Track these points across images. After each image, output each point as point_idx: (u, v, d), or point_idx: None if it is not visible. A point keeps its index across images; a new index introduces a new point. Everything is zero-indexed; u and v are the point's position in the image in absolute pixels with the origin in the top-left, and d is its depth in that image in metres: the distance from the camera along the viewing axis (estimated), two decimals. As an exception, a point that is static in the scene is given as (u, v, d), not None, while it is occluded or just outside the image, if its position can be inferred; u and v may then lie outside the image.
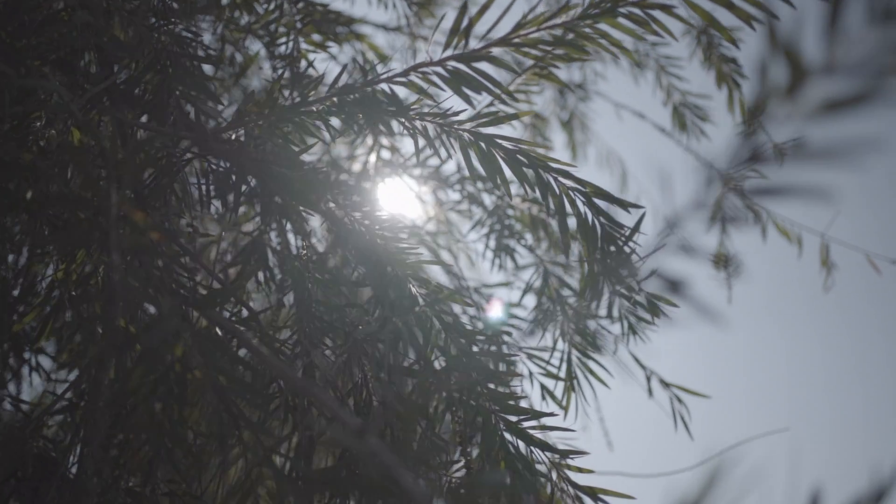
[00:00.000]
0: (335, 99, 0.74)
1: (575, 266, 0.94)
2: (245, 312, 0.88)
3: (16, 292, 0.95)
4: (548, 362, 0.96)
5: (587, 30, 0.71)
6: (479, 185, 1.16)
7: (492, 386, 0.83)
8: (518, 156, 0.73)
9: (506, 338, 1.01)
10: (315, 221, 1.05)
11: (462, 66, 0.69)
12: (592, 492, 0.76)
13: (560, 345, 0.97)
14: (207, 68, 1.02)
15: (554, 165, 0.72)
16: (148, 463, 0.74)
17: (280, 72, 1.01)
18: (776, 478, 0.37)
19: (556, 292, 0.99)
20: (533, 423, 0.85)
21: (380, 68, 0.74)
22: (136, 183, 0.79)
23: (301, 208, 0.93)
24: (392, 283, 0.87)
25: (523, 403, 0.88)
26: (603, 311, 1.02)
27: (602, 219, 0.70)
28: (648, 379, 1.09)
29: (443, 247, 1.21)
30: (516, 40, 0.67)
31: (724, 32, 0.66)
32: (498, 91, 0.70)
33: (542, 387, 0.96)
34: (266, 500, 0.69)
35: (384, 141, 1.18)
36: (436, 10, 1.32)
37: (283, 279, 1.00)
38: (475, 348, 0.85)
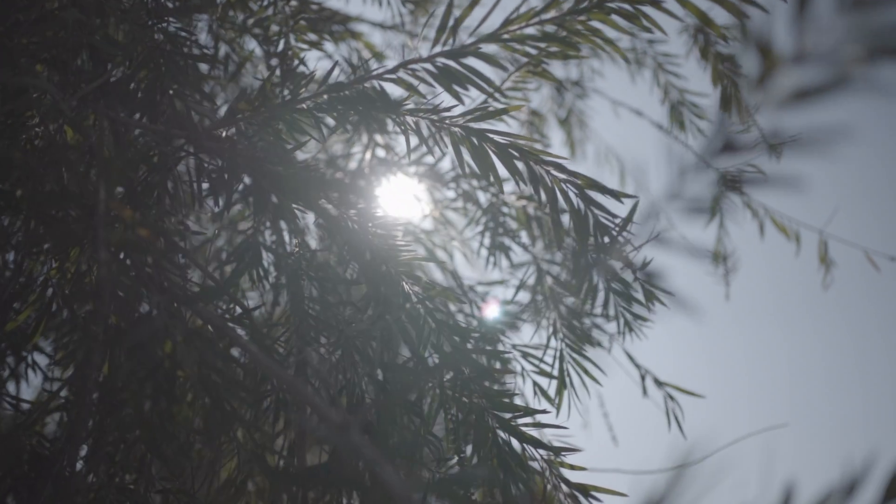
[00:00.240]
0: (325, 96, 0.74)
1: (569, 263, 0.94)
2: (238, 310, 0.88)
3: (12, 291, 0.95)
4: (541, 360, 0.96)
5: (577, 26, 0.71)
6: (475, 182, 1.16)
7: (485, 383, 0.83)
8: (510, 150, 0.72)
9: (500, 336, 1.01)
10: (310, 219, 1.05)
11: (451, 63, 0.69)
12: (584, 489, 0.76)
13: (553, 342, 0.97)
14: (202, 67, 1.02)
15: (546, 158, 0.71)
16: (139, 460, 0.75)
17: (272, 69, 1.01)
18: (764, 473, 0.37)
19: (551, 290, 0.99)
20: (528, 420, 0.85)
21: (371, 66, 0.74)
22: (128, 180, 0.79)
23: (294, 206, 0.93)
24: (385, 281, 0.87)
25: (517, 401, 0.87)
26: (598, 309, 1.02)
27: (595, 209, 0.70)
28: (643, 378, 1.09)
29: (438, 245, 1.21)
30: (505, 36, 0.66)
31: (715, 28, 0.66)
32: (487, 87, 0.70)
33: (535, 385, 0.96)
34: (256, 497, 0.69)
35: (379, 139, 1.18)
36: (431, 8, 1.32)
37: (278, 277, 1.00)
38: (469, 346, 0.85)
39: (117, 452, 0.84)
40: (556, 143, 1.62)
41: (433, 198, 1.20)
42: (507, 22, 0.67)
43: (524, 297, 1.05)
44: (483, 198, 1.17)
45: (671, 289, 0.73)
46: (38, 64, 0.85)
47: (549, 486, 0.78)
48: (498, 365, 0.94)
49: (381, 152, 1.21)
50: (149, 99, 0.90)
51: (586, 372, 0.95)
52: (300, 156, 1.22)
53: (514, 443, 0.82)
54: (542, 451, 0.80)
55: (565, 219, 0.76)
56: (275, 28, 1.12)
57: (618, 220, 0.68)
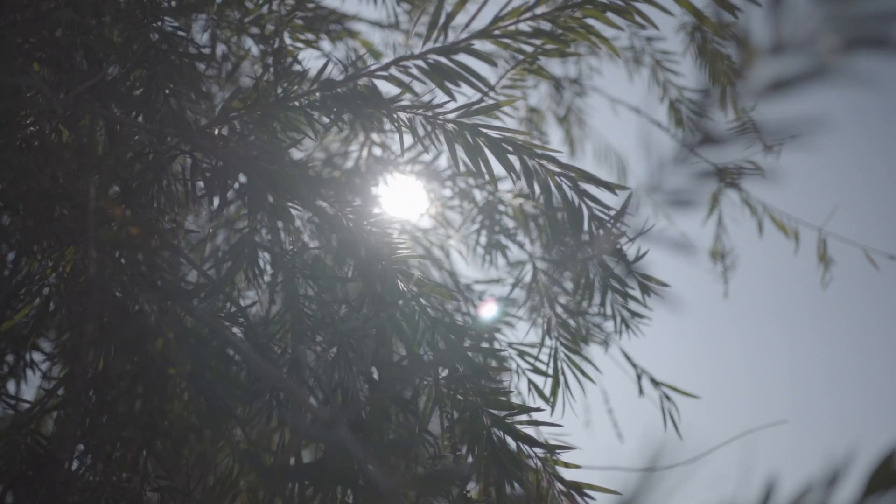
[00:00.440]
0: (318, 94, 0.74)
1: (563, 258, 0.93)
2: (232, 308, 0.88)
3: (9, 289, 0.96)
4: (536, 358, 0.96)
5: (570, 23, 0.71)
6: (471, 181, 1.16)
7: (480, 381, 0.83)
8: (503, 144, 0.72)
9: (496, 334, 1.01)
10: (306, 217, 1.05)
11: (443, 59, 0.69)
12: (578, 487, 0.76)
13: (548, 341, 0.97)
14: (198, 65, 1.02)
15: (539, 152, 0.71)
16: (134, 458, 0.75)
17: (265, 67, 1.01)
18: (746, 468, 0.37)
19: (546, 288, 0.99)
20: (524, 418, 0.85)
21: (365, 63, 0.74)
22: (122, 179, 0.79)
23: (289, 204, 0.93)
24: (380, 278, 0.87)
25: (513, 399, 0.87)
26: (594, 307, 1.01)
27: (589, 201, 0.70)
28: (639, 377, 1.09)
29: (435, 244, 1.21)
30: (496, 32, 0.66)
31: (707, 22, 0.65)
32: (479, 83, 0.70)
33: (531, 383, 0.96)
34: (248, 494, 0.69)
35: (375, 137, 1.18)
36: (426, 6, 1.32)
37: (274, 275, 1.00)
38: (464, 343, 0.85)
39: (113, 450, 0.84)
40: (556, 141, 1.62)
41: (430, 196, 1.20)
42: (498, 18, 0.66)
43: (520, 295, 1.05)
44: (479, 196, 1.17)
45: (664, 281, 0.73)
46: (33, 63, 0.86)
47: (544, 483, 0.78)
48: (493, 363, 0.94)
49: (377, 151, 1.20)
50: (144, 98, 0.90)
51: (581, 370, 0.95)
52: (297, 154, 1.22)
53: (510, 441, 0.82)
54: (536, 449, 0.80)
55: (562, 216, 0.76)
56: (271, 27, 1.12)
57: (612, 212, 0.68)
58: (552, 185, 0.71)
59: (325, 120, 0.81)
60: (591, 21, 0.71)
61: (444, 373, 0.85)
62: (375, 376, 0.74)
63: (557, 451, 0.81)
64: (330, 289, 1.01)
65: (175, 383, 0.65)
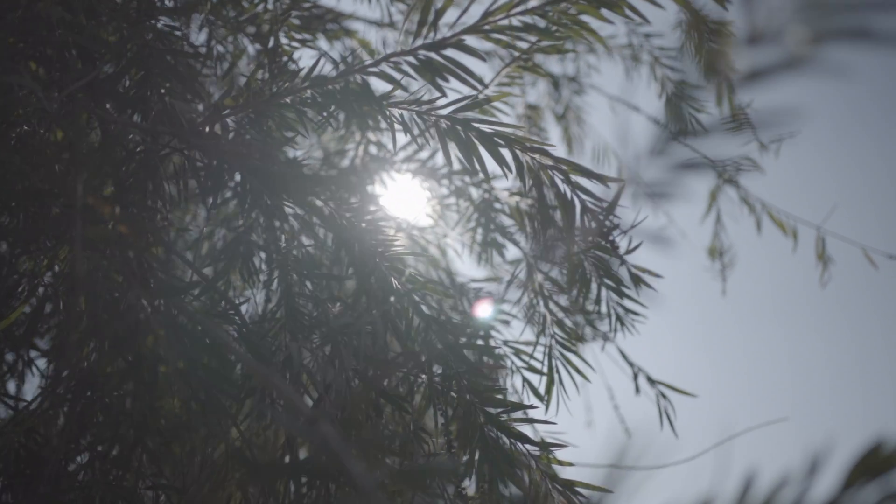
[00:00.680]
0: (309, 91, 0.74)
1: (551, 251, 0.93)
2: (227, 305, 0.88)
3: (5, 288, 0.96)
4: (531, 356, 0.95)
5: (563, 18, 0.70)
6: (467, 178, 1.16)
7: (474, 378, 0.83)
8: (495, 138, 0.72)
9: (491, 332, 1.00)
10: (300, 215, 1.05)
11: (433, 55, 0.69)
12: (570, 484, 0.75)
13: (543, 339, 0.96)
14: (193, 64, 1.02)
15: (530, 145, 0.71)
16: (126, 455, 0.74)
17: (257, 65, 1.01)
18: (722, 460, 0.37)
19: (541, 285, 0.99)
20: (520, 416, 0.85)
21: (354, 60, 0.74)
22: (114, 177, 0.79)
23: (283, 202, 0.93)
24: (374, 275, 0.86)
25: (508, 397, 0.87)
26: (590, 305, 1.01)
27: (581, 194, 0.70)
28: (636, 375, 1.08)
29: (431, 242, 1.21)
30: (486, 27, 0.66)
31: (696, 15, 0.65)
32: (470, 78, 0.70)
33: (525, 381, 0.96)
34: (238, 490, 0.69)
35: (371, 136, 1.18)
36: (419, 4, 1.32)
37: (269, 273, 1.00)
38: (457, 341, 0.85)
39: (110, 449, 0.84)
40: (554, 139, 1.62)
41: (426, 194, 1.19)
42: (488, 13, 0.66)
43: (515, 293, 1.04)
44: (476, 193, 1.16)
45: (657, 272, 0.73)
46: (26, 62, 0.86)
47: (537, 478, 0.78)
48: (488, 360, 0.93)
49: (373, 149, 1.20)
50: (138, 96, 0.90)
51: (576, 368, 0.94)
52: (293, 153, 1.22)
53: (504, 439, 0.81)
54: (530, 447, 0.80)
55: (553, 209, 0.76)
56: (266, 27, 1.12)
57: (604, 205, 0.67)
58: (544, 178, 0.70)
59: (318, 117, 0.81)
60: (582, 16, 0.71)
61: (438, 370, 0.85)
62: (364, 371, 0.74)
63: (552, 448, 0.80)
64: (325, 286, 1.01)
65: (166, 381, 0.65)
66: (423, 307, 0.85)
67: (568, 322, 0.99)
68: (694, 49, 1.21)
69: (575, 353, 0.95)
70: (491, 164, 0.80)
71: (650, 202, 0.34)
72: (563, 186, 0.71)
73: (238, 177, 0.95)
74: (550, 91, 1.57)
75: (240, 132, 0.91)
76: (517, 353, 1.00)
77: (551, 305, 0.97)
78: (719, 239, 1.35)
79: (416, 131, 0.78)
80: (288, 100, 0.75)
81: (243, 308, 1.12)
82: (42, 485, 0.85)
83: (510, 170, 0.73)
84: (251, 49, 1.23)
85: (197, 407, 0.65)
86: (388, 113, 0.76)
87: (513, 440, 0.79)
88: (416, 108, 0.75)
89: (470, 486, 0.83)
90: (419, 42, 0.69)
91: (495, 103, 0.96)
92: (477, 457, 0.77)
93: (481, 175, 0.76)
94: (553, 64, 1.58)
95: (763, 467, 0.33)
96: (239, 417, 0.76)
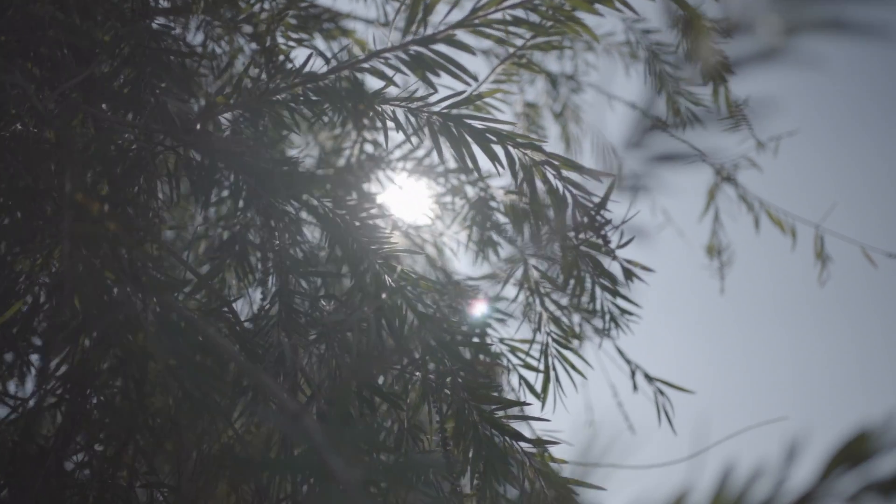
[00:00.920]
0: (300, 88, 0.74)
1: (541, 244, 0.93)
2: (219, 303, 0.87)
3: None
4: (527, 353, 0.95)
5: (553, 12, 0.70)
6: (463, 177, 1.15)
7: (468, 375, 0.82)
8: (487, 134, 0.72)
9: (487, 330, 1.00)
10: (295, 213, 1.05)
11: (423, 50, 0.68)
12: (563, 481, 0.75)
13: (539, 337, 0.96)
14: (187, 63, 1.02)
15: (522, 141, 0.71)
16: (118, 452, 0.74)
17: (249, 62, 1.01)
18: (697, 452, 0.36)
19: (537, 283, 0.98)
20: (517, 413, 0.84)
21: (345, 56, 0.74)
22: (107, 174, 0.79)
23: (279, 200, 0.93)
24: (368, 272, 0.86)
25: (502, 395, 0.86)
26: (586, 303, 1.00)
27: (572, 189, 0.69)
28: (633, 373, 1.08)
29: (427, 240, 1.21)
30: (476, 21, 0.66)
31: (688, 9, 0.65)
32: (461, 73, 0.69)
33: (521, 378, 0.95)
34: (227, 485, 0.68)
35: (367, 135, 1.18)
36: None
37: (265, 271, 1.00)
38: (451, 338, 0.85)
39: (107, 448, 0.84)
40: (552, 137, 1.61)
41: (422, 193, 1.19)
42: (478, 8, 0.66)
43: (512, 291, 1.04)
44: (472, 192, 1.16)
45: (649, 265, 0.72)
46: (19, 60, 0.86)
47: (531, 477, 0.77)
48: (483, 358, 0.93)
49: (369, 148, 1.20)
50: (132, 95, 0.90)
51: (572, 366, 0.94)
52: (288, 151, 1.22)
53: (498, 436, 0.81)
54: (524, 444, 0.79)
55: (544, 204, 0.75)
56: (263, 26, 1.12)
57: (595, 199, 0.67)
58: (536, 173, 0.70)
59: (310, 114, 0.81)
60: (576, 12, 0.71)
61: (432, 367, 0.84)
62: (355, 365, 0.74)
63: (546, 445, 0.80)
64: (321, 284, 1.01)
65: (156, 377, 0.65)
66: (419, 305, 0.85)
67: (564, 320, 0.98)
68: (687, 43, 1.20)
69: (572, 350, 0.95)
70: (484, 161, 0.80)
71: (632, 193, 0.34)
72: (555, 182, 0.71)
73: (232, 175, 0.95)
74: (549, 89, 1.57)
75: (235, 130, 0.91)
76: (513, 350, 1.00)
77: (547, 303, 0.96)
78: (717, 237, 1.35)
79: (409, 129, 0.78)
80: (280, 97, 0.75)
81: (240, 305, 1.12)
82: (37, 483, 0.85)
83: (502, 166, 0.73)
84: (248, 49, 1.23)
85: (187, 404, 0.65)
86: (380, 110, 0.75)
87: (507, 438, 0.79)
88: (408, 105, 0.74)
89: (465, 485, 0.83)
90: (409, 38, 0.68)
91: (492, 101, 0.96)
92: (471, 454, 0.77)
93: (475, 172, 0.76)
94: (551, 62, 1.58)
95: (749, 462, 0.32)
96: (233, 415, 0.75)
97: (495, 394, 0.82)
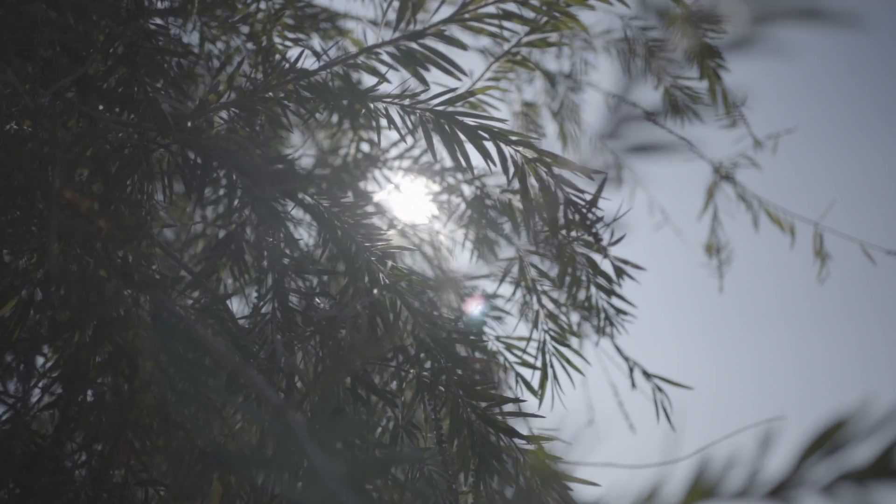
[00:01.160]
0: (293, 85, 0.74)
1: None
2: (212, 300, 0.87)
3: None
4: (524, 351, 0.95)
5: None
6: (459, 175, 1.15)
7: (462, 372, 0.82)
8: (479, 131, 0.72)
9: (483, 328, 0.99)
10: (292, 211, 1.05)
11: (413, 45, 0.68)
12: (556, 478, 0.74)
13: (536, 334, 0.96)
14: (182, 62, 1.02)
15: (514, 138, 0.70)
16: (111, 450, 0.74)
17: (241, 61, 1.01)
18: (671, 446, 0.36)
19: (533, 281, 0.98)
20: (513, 410, 0.84)
21: (337, 52, 0.74)
22: (101, 172, 0.79)
23: (272, 198, 0.93)
24: (364, 270, 0.86)
25: (498, 391, 0.86)
26: (581, 302, 1.00)
27: (564, 186, 0.69)
28: (631, 370, 1.07)
29: (424, 239, 1.21)
30: (466, 16, 0.66)
31: (681, 4, 0.64)
32: (453, 69, 0.69)
33: (518, 375, 0.95)
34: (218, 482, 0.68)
35: (363, 134, 1.18)
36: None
37: (260, 270, 1.00)
38: (446, 335, 0.84)
39: (106, 447, 0.84)
40: (551, 136, 1.61)
41: (419, 191, 1.19)
42: (467, 3, 0.66)
43: (508, 288, 1.04)
44: (468, 190, 1.16)
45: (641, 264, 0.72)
46: (13, 59, 0.86)
47: (526, 473, 0.77)
48: (478, 355, 0.93)
49: (366, 147, 1.20)
50: (125, 94, 0.90)
51: (570, 363, 0.94)
52: (285, 150, 1.22)
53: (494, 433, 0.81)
54: (519, 441, 0.79)
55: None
56: (259, 26, 1.12)
57: (587, 196, 0.67)
58: (528, 170, 0.70)
59: (303, 112, 0.81)
60: (568, 5, 0.70)
61: (427, 364, 0.84)
62: (342, 359, 0.73)
63: (541, 442, 0.79)
64: (317, 281, 1.01)
65: (147, 374, 0.65)
66: (416, 302, 0.85)
67: (562, 317, 0.98)
68: (681, 36, 1.19)
69: (569, 347, 0.95)
70: (478, 159, 0.80)
71: (609, 184, 0.34)
72: (547, 179, 0.71)
73: (223, 172, 0.95)
74: (547, 88, 1.57)
75: (230, 129, 0.91)
76: (509, 347, 0.99)
77: (544, 300, 0.96)
78: (716, 235, 1.34)
79: (402, 126, 0.77)
80: (271, 94, 0.75)
81: (235, 303, 1.12)
82: (33, 481, 0.85)
83: (494, 163, 0.72)
84: (244, 49, 1.23)
85: (178, 401, 0.65)
86: (372, 107, 0.75)
87: (501, 434, 0.79)
88: (400, 102, 0.74)
89: (460, 482, 0.83)
90: (399, 33, 0.68)
91: (488, 100, 0.96)
92: (466, 451, 0.76)
93: (468, 169, 0.76)
94: (549, 61, 1.58)
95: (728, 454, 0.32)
96: (225, 412, 0.75)
97: (492, 391, 0.82)
